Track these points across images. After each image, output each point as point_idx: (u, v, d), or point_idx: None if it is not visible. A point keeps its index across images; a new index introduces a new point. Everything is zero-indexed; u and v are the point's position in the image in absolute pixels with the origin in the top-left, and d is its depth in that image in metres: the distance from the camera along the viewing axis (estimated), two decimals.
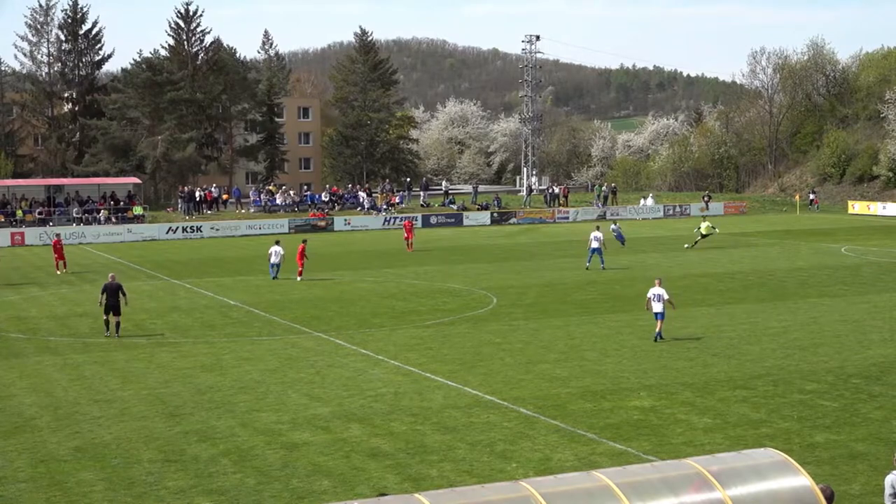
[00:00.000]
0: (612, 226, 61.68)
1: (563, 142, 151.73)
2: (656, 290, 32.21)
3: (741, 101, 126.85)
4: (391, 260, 58.11)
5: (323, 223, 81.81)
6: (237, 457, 20.96)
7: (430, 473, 19.70)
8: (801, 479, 12.93)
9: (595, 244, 50.39)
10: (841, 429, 22.31)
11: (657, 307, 32.13)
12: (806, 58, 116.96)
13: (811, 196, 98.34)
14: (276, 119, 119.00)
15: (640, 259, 56.08)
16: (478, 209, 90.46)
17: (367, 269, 53.63)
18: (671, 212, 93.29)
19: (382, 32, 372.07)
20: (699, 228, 62.40)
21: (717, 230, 63.14)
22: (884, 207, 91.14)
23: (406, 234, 63.51)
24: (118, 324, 34.31)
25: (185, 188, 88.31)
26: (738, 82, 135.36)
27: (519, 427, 22.82)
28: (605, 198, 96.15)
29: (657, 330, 32.41)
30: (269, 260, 49.49)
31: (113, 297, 33.93)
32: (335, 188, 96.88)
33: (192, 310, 40.34)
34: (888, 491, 14.20)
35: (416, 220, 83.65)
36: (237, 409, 24.73)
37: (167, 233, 76.91)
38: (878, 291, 42.75)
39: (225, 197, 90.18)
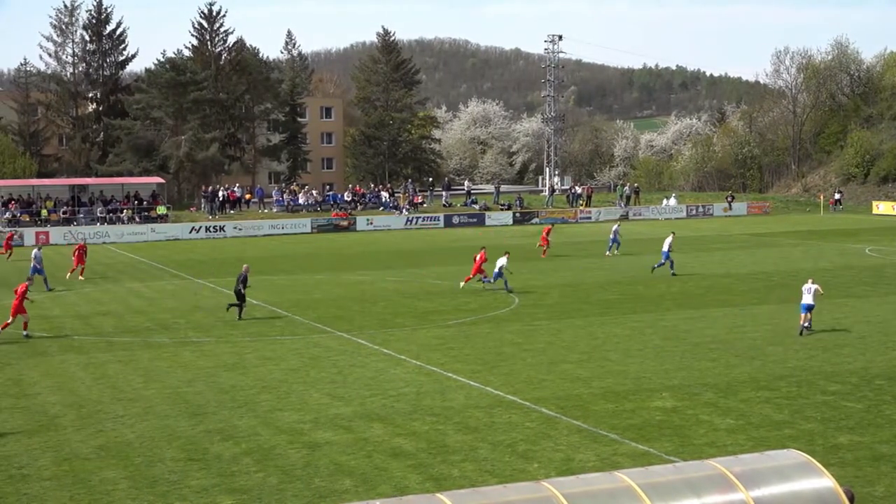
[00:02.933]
0: (615, 226, 61.12)
1: (585, 142, 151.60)
2: (808, 286, 33.54)
3: (765, 101, 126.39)
4: (414, 259, 58.14)
5: (345, 223, 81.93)
6: (259, 456, 21.01)
7: (452, 473, 19.70)
8: (824, 481, 12.87)
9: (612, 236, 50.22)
10: (865, 430, 22.18)
11: (807, 298, 33.18)
12: (830, 57, 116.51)
13: (836, 196, 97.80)
14: (299, 119, 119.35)
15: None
16: (500, 209, 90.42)
17: (389, 268, 53.68)
18: (694, 212, 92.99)
19: (405, 32, 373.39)
20: None
21: None
22: None
23: (542, 242, 59.16)
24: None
25: (209, 188, 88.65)
26: (762, 82, 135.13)
27: (541, 427, 22.79)
28: (628, 198, 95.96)
29: (803, 322, 33.23)
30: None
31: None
32: (358, 188, 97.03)
33: (215, 309, 40.44)
34: None
35: (438, 219, 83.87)
36: (259, 408, 24.80)
37: (190, 232, 77.20)
38: None
39: (248, 197, 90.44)
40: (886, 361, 29.02)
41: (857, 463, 19.94)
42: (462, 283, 44.94)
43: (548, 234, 59.23)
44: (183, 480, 19.56)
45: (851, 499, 12.91)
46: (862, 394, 25.31)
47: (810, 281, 34.35)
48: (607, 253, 57.87)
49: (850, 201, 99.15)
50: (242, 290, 37.83)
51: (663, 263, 48.66)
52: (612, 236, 58.63)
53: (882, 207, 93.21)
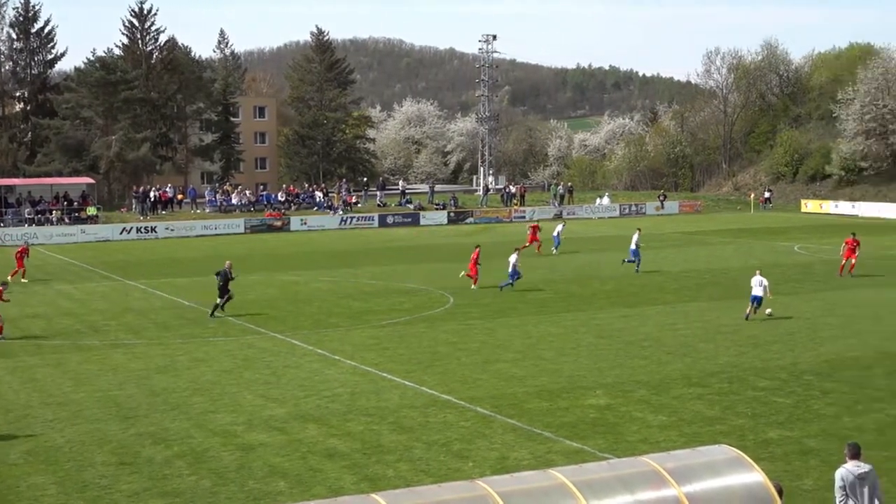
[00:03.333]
0: (560, 226, 61.58)
1: (519, 141, 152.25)
2: (757, 278, 35.39)
3: (696, 101, 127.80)
4: (348, 260, 57.97)
5: (279, 223, 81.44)
6: (192, 459, 20.80)
7: (387, 473, 19.65)
8: (754, 476, 13.02)
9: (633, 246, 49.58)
10: (794, 425, 22.51)
11: (757, 291, 35.13)
12: (760, 58, 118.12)
13: (766, 194, 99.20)
14: (232, 119, 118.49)
15: (595, 258, 56.33)
16: (435, 209, 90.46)
17: (323, 269, 53.47)
18: (627, 211, 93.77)
19: (339, 32, 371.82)
20: None
21: None
22: (836, 206, 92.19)
23: (531, 239, 59.12)
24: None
25: (140, 188, 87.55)
26: (693, 82, 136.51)
27: (475, 426, 22.83)
28: (562, 197, 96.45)
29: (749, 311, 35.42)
30: None
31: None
32: (291, 188, 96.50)
33: (147, 311, 40.01)
34: (838, 484, 14.36)
35: (373, 219, 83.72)
36: (192, 410, 24.55)
37: (121, 233, 76.16)
38: (831, 289, 43.17)
39: (180, 197, 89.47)
40: (814, 357, 29.48)
41: (787, 457, 20.23)
42: (473, 285, 44.42)
43: (535, 231, 59.43)
44: (114, 485, 19.30)
45: (780, 493, 13.09)
46: (791, 389, 25.68)
47: (758, 273, 35.71)
48: (554, 251, 58.02)
49: (780, 200, 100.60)
50: (226, 286, 38.02)
51: (633, 261, 49.22)
52: (555, 234, 59.20)
53: (810, 206, 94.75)
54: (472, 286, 44.26)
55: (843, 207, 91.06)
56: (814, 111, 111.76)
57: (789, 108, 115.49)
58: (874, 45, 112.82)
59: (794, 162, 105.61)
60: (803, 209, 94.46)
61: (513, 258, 43.71)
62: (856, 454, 14.50)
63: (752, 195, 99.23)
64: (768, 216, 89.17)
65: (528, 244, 57.42)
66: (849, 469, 14.36)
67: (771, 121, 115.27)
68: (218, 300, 38.10)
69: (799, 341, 31.83)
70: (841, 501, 14.34)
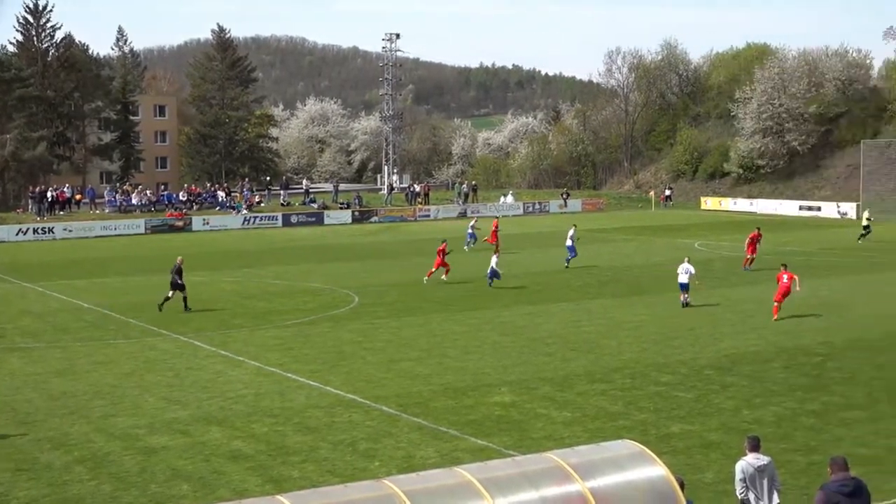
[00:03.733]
0: (473, 222, 62.56)
1: (423, 140, 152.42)
2: (683, 266, 37.65)
3: (598, 100, 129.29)
4: (251, 260, 57.45)
5: (181, 223, 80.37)
6: (93, 464, 20.41)
7: (292, 475, 19.51)
8: (657, 469, 13.18)
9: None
10: (695, 419, 22.87)
11: (683, 278, 37.37)
12: (660, 58, 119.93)
13: (667, 192, 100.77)
14: (132, 117, 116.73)
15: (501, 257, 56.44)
16: (339, 208, 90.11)
17: (226, 269, 52.90)
18: (531, 209, 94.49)
19: (240, 30, 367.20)
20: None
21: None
22: (734, 203, 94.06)
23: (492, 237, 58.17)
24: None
25: (37, 188, 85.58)
26: (595, 81, 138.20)
27: (381, 425, 22.78)
28: (466, 195, 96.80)
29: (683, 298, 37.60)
30: None
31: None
32: (193, 187, 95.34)
33: (44, 314, 39.16)
34: (738, 476, 14.63)
35: (276, 219, 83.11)
36: (92, 414, 24.09)
37: (17, 234, 74.38)
38: (730, 285, 44.00)
39: (78, 197, 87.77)
40: (715, 352, 30.00)
41: (688, 451, 20.54)
42: (426, 278, 45.46)
43: (496, 228, 59.25)
44: (10, 492, 18.83)
45: (682, 486, 13.27)
46: (692, 384, 26.10)
47: (686, 260, 37.98)
48: (466, 248, 58.60)
49: (680, 197, 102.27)
50: (179, 281, 38.56)
51: (569, 258, 50.25)
52: (469, 231, 60.45)
53: (710, 203, 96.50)
54: (443, 277, 45.38)
55: (742, 205, 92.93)
56: (712, 110, 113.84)
57: (689, 106, 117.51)
58: (770, 46, 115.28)
59: (694, 160, 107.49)
60: (703, 206, 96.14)
61: (494, 259, 44.19)
62: (755, 447, 14.80)
63: (653, 193, 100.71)
64: (669, 214, 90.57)
65: (491, 241, 57.89)
66: (749, 461, 14.63)
67: (671, 119, 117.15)
68: (172, 294, 38.67)
69: (700, 337, 32.37)
70: (741, 493, 14.62)
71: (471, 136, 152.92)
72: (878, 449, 20.53)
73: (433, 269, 45.58)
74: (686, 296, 37.69)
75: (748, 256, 48.64)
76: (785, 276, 34.98)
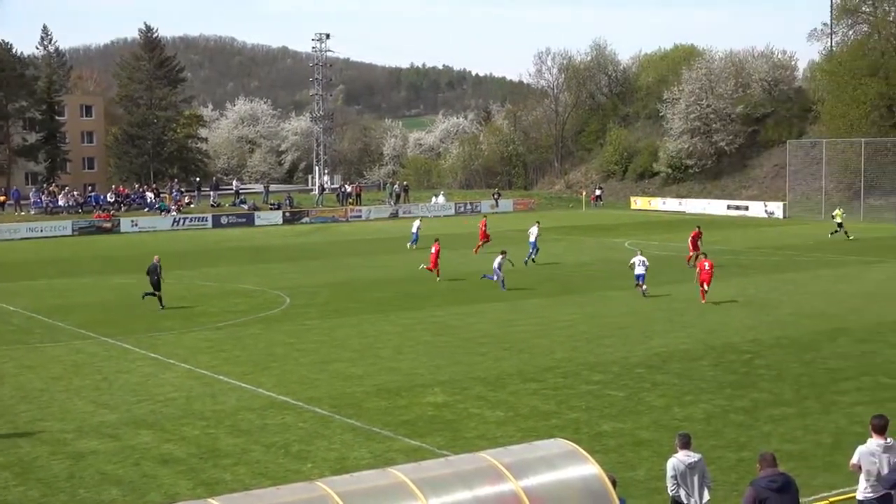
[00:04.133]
0: (418, 222, 63.36)
1: (354, 140, 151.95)
2: (637, 258, 40.35)
3: (528, 101, 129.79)
4: (181, 261, 56.81)
5: (109, 225, 79.36)
6: (20, 469, 20.07)
7: (224, 478, 19.35)
8: (589, 468, 13.26)
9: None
10: (626, 417, 23.06)
11: (639, 269, 39.85)
12: (589, 58, 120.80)
13: (597, 192, 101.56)
14: (57, 118, 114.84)
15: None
16: (269, 209, 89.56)
17: None
18: (462, 209, 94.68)
19: (168, 29, 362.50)
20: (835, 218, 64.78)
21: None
22: (663, 203, 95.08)
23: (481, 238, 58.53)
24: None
25: None
26: (525, 82, 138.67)
27: (314, 427, 22.68)
28: (398, 196, 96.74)
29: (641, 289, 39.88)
30: None
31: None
32: (121, 188, 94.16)
33: None
34: (669, 473, 14.77)
35: (206, 220, 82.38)
36: (19, 419, 23.69)
37: None
38: (659, 284, 44.37)
39: (2, 199, 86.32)
40: (645, 351, 30.27)
41: (620, 449, 20.71)
42: (438, 278, 45.95)
43: (485, 226, 59.37)
44: None
45: (615, 484, 13.37)
46: (623, 382, 26.31)
47: (639, 253, 41.30)
48: (410, 245, 59.87)
49: (610, 197, 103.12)
50: (157, 279, 39.29)
51: (532, 253, 51.40)
52: (413, 231, 61.51)
53: (639, 202, 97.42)
54: (436, 278, 45.76)
55: (671, 204, 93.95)
56: (641, 110, 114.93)
57: (618, 107, 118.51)
58: (697, 47, 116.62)
59: (624, 160, 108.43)
60: (633, 206, 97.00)
61: (497, 259, 43.87)
62: (686, 444, 14.96)
63: (584, 193, 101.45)
64: (599, 213, 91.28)
65: (481, 242, 58.05)
66: (679, 459, 14.79)
67: (601, 120, 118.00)
68: (156, 293, 39.34)
69: (631, 335, 32.65)
70: (672, 490, 14.77)
71: (402, 136, 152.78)
72: (806, 444, 20.86)
73: (434, 268, 46.15)
74: (644, 286, 39.85)
75: (691, 254, 49.45)
76: (706, 264, 38.57)
